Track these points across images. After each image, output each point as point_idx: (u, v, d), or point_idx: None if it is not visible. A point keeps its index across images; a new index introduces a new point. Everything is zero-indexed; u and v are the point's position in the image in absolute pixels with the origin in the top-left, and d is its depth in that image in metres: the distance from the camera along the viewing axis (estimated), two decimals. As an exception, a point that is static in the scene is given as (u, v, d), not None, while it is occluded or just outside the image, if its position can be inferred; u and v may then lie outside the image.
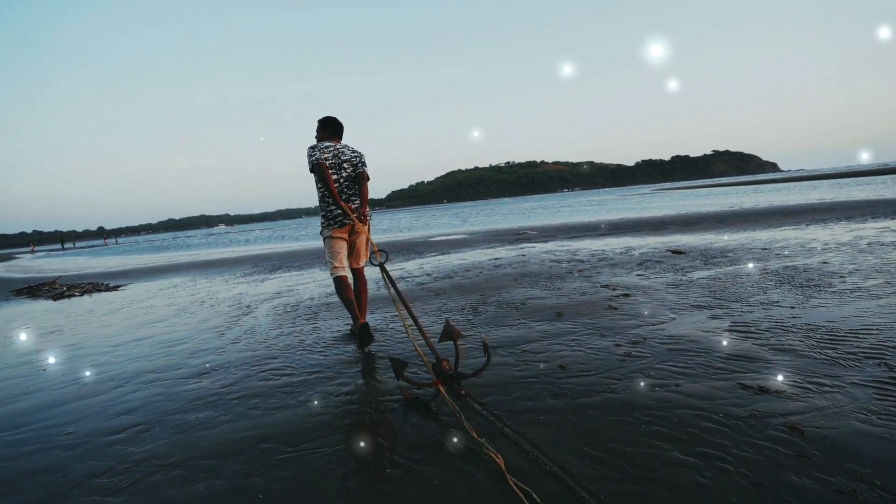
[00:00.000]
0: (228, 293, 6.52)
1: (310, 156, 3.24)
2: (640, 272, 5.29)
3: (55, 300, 7.73)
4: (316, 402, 2.41)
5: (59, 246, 64.02)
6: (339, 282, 3.34)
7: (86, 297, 7.75)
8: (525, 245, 9.36)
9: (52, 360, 3.80)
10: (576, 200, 49.33)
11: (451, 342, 2.37)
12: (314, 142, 3.46)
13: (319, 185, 3.28)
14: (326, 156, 3.22)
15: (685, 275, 4.89)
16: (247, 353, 3.42)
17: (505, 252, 8.39)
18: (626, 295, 4.21)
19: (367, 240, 3.32)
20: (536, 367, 2.64)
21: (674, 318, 3.37)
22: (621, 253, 6.96)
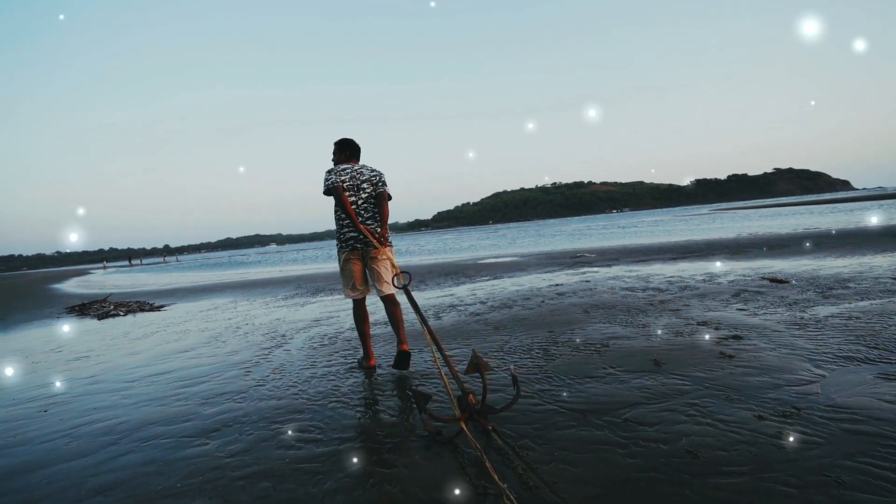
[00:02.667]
0: (266, 318, 6.05)
1: (325, 179, 3.15)
2: (739, 306, 4.36)
3: (99, 319, 7.58)
4: (345, 496, 1.74)
5: (126, 263, 68.05)
6: (356, 307, 3.30)
7: (128, 318, 7.54)
8: (586, 269, 8.47)
9: (60, 396, 3.35)
10: (628, 221, 47.32)
11: (479, 374, 2.21)
12: (331, 165, 3.36)
13: (336, 209, 3.18)
14: (343, 178, 3.13)
15: (804, 311, 3.92)
16: (270, 401, 2.82)
17: (565, 277, 7.55)
18: (737, 337, 3.33)
19: (390, 262, 3.15)
20: (653, 451, 1.86)
21: (824, 376, 2.49)
22: (704, 280, 5.99)
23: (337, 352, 3.91)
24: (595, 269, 8.47)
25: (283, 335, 4.79)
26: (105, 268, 53.92)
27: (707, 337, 3.41)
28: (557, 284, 6.74)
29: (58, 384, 3.70)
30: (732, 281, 5.76)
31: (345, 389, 2.92)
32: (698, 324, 3.81)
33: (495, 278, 8.34)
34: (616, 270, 7.89)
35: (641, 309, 4.57)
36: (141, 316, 7.62)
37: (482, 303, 5.72)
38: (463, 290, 7.04)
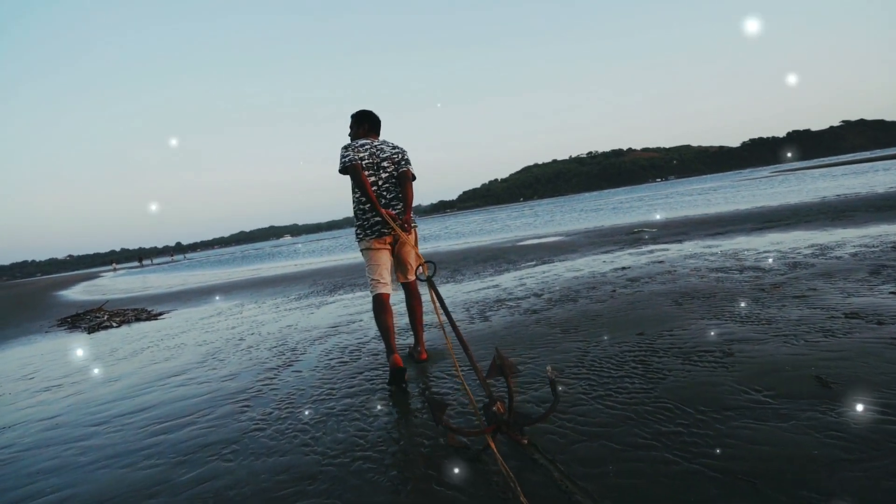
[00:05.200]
0: (274, 326, 5.47)
1: (342, 156, 3.00)
2: (891, 287, 3.51)
3: (90, 333, 7.18)
4: None
5: (137, 263, 69.93)
6: (378, 301, 3.04)
7: (122, 329, 7.12)
8: (652, 247, 7.61)
9: (3, 451, 2.78)
10: (677, 190, 45.44)
11: (503, 378, 1.98)
12: (348, 140, 3.24)
13: (355, 190, 3.04)
14: (362, 155, 2.98)
15: None
16: (270, 457, 2.17)
17: (630, 258, 6.73)
18: (923, 336, 2.51)
19: (415, 250, 3.09)
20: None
21: None
22: (816, 255, 5.10)
23: (360, 372, 3.26)
24: (663, 246, 7.61)
25: (294, 349, 4.18)
26: (115, 270, 55.25)
27: (875, 336, 2.61)
28: (624, 268, 5.94)
29: (9, 429, 3.16)
30: (856, 254, 4.86)
31: (373, 436, 2.26)
32: (847, 316, 3.00)
33: (544, 263, 7.57)
34: (691, 247, 7.02)
35: (752, 297, 3.76)
36: (136, 326, 7.19)
37: (536, 295, 4.98)
38: (508, 280, 6.31)
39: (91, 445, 2.63)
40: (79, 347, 6.06)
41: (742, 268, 4.96)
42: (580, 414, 2.19)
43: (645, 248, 7.57)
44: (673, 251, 6.85)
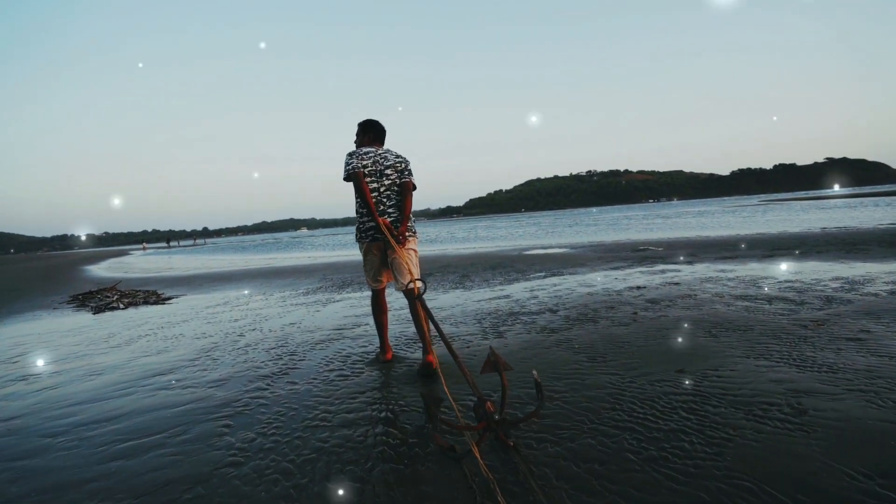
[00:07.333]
0: (277, 322, 4.87)
1: (346, 163, 2.89)
2: (957, 336, 2.89)
3: (95, 313, 6.60)
4: None
5: (164, 244, 69.82)
6: (374, 296, 3.12)
7: (128, 311, 6.54)
8: (663, 267, 6.98)
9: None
10: (670, 212, 44.65)
11: (497, 375, 2.01)
12: (353, 147, 3.13)
13: (357, 196, 2.90)
14: (365, 163, 2.89)
15: None
16: (239, 514, 1.58)
17: (643, 277, 6.11)
18: None
19: (412, 256, 2.91)
20: None
21: None
22: (846, 289, 4.48)
23: (362, 392, 2.66)
24: (674, 266, 6.98)
25: (293, 353, 3.58)
26: (144, 249, 55.00)
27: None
28: (639, 287, 5.33)
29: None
30: (894, 291, 4.24)
31: (370, 493, 1.66)
32: (926, 370, 2.38)
33: (554, 275, 6.95)
34: (704, 270, 6.39)
35: (795, 334, 3.14)
36: (143, 310, 6.61)
37: (551, 311, 4.38)
38: (519, 291, 5.70)
39: (33, 468, 2.03)
40: (78, 329, 5.48)
41: (769, 297, 4.34)
42: (635, 486, 1.58)
43: (656, 268, 6.95)
44: (686, 273, 6.23)
